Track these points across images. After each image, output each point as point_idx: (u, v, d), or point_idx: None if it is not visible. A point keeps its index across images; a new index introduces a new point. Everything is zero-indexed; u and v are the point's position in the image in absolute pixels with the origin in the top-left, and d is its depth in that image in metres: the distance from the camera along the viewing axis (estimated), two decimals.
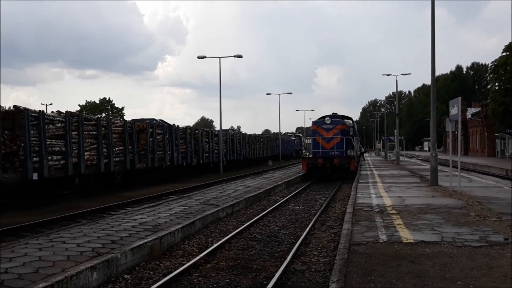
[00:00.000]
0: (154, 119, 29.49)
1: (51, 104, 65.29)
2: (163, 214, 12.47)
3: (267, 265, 8.88)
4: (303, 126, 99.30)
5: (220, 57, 36.19)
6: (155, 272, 8.30)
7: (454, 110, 17.55)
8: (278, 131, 66.34)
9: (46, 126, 16.64)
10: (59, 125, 17.54)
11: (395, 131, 51.16)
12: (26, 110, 15.98)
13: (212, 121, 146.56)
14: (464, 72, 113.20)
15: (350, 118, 33.71)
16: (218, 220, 13.47)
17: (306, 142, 34.47)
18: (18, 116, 15.71)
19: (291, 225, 13.30)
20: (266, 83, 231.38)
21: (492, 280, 6.51)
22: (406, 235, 9.49)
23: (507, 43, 52.11)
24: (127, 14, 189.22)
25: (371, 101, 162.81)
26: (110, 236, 9.39)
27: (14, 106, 15.98)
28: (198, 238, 11.06)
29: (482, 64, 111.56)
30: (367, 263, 7.45)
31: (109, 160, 20.41)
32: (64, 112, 18.03)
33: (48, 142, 16.71)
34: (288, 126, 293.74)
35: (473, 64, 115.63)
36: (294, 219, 14.28)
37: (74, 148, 18.08)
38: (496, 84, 57.56)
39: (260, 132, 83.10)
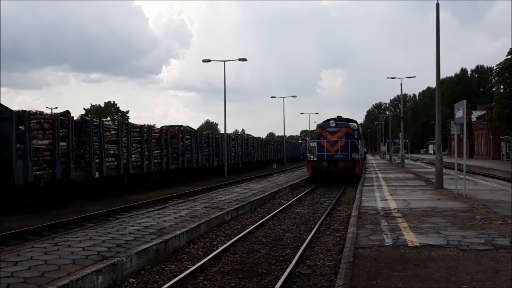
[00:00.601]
0: (182, 126, 32.35)
1: (56, 107, 65.39)
2: (168, 217, 12.48)
3: (272, 268, 8.86)
4: (308, 129, 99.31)
5: (224, 61, 36.23)
6: (161, 275, 8.30)
7: (459, 113, 17.52)
8: (282, 134, 66.75)
9: (104, 133, 19.84)
10: (113, 132, 20.99)
11: (400, 134, 51.09)
12: (91, 120, 19.59)
13: (217, 124, 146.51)
14: (469, 75, 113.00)
15: (354, 121, 33.67)
16: (223, 224, 13.47)
17: (311, 145, 34.44)
18: (84, 125, 19.03)
19: (296, 228, 13.28)
20: (270, 86, 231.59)
21: (498, 283, 6.49)
22: (411, 238, 9.47)
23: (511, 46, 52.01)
24: (132, 18, 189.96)
25: (375, 104, 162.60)
26: (116, 239, 9.40)
27: (81, 117, 18.80)
28: (203, 242, 11.06)
29: (487, 67, 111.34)
30: (373, 266, 7.43)
31: (150, 161, 23.86)
32: (116, 121, 21.02)
33: (105, 146, 19.93)
34: (293, 129, 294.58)
35: (477, 67, 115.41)
36: (299, 223, 14.26)
37: (124, 152, 21.34)
38: (501, 87, 57.34)
39: (265, 135, 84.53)
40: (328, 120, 30.35)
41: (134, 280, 7.87)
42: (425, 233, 10.03)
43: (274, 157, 55.33)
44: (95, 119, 19.98)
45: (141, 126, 23.88)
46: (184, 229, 10.81)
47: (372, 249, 8.65)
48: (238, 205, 15.64)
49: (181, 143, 27.70)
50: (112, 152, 20.48)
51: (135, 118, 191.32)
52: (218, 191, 20.97)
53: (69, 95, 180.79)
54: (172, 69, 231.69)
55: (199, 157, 30.52)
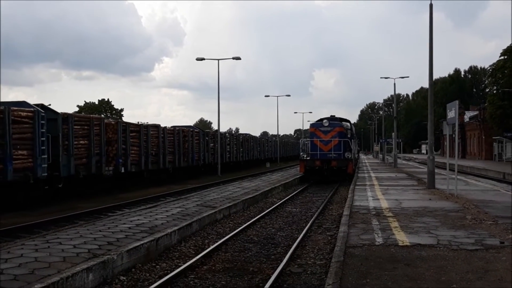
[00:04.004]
0: (248, 134, 51.78)
1: (49, 105, 65.08)
2: (160, 215, 12.47)
3: (263, 267, 8.88)
4: (301, 128, 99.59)
5: (218, 59, 36.21)
6: (151, 273, 8.30)
7: (452, 113, 17.59)
8: (276, 133, 67.86)
9: (226, 140, 39.54)
10: (228, 138, 40.74)
11: (393, 133, 51.20)
12: (221, 132, 37.45)
13: (211, 123, 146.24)
14: (462, 76, 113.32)
15: (348, 121, 33.73)
16: (215, 222, 13.47)
17: (305, 144, 34.57)
18: (215, 135, 36.67)
19: (287, 227, 13.31)
20: (264, 85, 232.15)
21: (488, 283, 6.53)
22: (402, 238, 9.51)
23: (505, 47, 52.27)
24: (125, 16, 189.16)
25: (369, 103, 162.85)
26: (107, 237, 9.39)
27: (213, 132, 37.15)
28: (195, 240, 11.07)
29: (480, 67, 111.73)
30: (363, 265, 7.46)
31: (239, 155, 43.79)
32: (228, 132, 48.06)
33: (226, 147, 39.55)
34: (287, 128, 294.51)
35: (471, 67, 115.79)
36: (291, 221, 14.28)
37: (231, 150, 40.92)
38: (494, 87, 57.63)
39: (258, 134, 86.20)
40: (321, 120, 30.39)
41: (124, 278, 7.86)
42: (415, 232, 10.07)
43: (281, 154, 66.19)
44: (221, 132, 37.69)
45: (238, 135, 44.62)
46: (176, 227, 10.81)
47: (363, 248, 8.68)
48: (230, 204, 15.64)
49: (249, 145, 48.09)
50: (228, 149, 40.00)
51: (128, 116, 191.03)
52: (210, 190, 20.97)
53: (62, 92, 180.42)
54: (165, 67, 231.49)
55: (255, 153, 50.66)
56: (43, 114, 16.80)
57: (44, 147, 16.57)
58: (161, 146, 26.23)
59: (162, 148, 26.38)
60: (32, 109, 16.56)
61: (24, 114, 16.04)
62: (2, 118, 14.95)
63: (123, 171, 22.08)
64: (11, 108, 15.51)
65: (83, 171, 19.23)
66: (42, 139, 16.49)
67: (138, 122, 26.36)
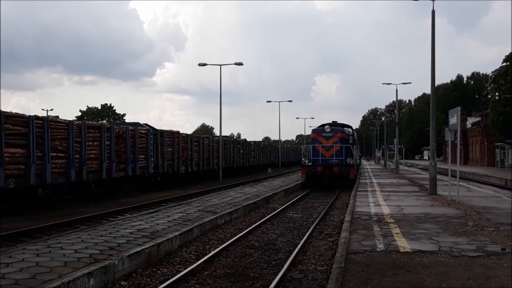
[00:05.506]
0: (266, 141, 57.17)
1: (51, 109, 65.28)
2: (161, 220, 12.48)
3: (264, 273, 8.87)
4: (303, 133, 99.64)
5: (220, 65, 36.30)
6: (152, 279, 8.30)
7: (454, 119, 17.60)
8: (278, 139, 68.14)
9: (251, 147, 47.76)
10: (253, 146, 48.34)
11: (395, 139, 51.23)
12: (248, 141, 48.65)
13: (213, 128, 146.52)
14: (465, 82, 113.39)
15: (349, 127, 33.73)
16: (216, 227, 13.46)
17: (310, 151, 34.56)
18: (246, 143, 46.37)
19: (289, 233, 13.30)
20: (265, 90, 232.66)
21: None
22: (403, 244, 9.50)
23: (507, 53, 52.29)
24: (127, 21, 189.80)
25: (371, 109, 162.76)
26: (108, 242, 9.40)
27: (244, 139, 49.34)
28: (196, 245, 11.06)
29: (482, 74, 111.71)
30: (364, 271, 7.46)
31: (260, 160, 51.13)
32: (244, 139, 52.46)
33: (251, 153, 47.53)
34: (288, 133, 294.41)
35: (473, 73, 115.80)
36: (292, 227, 14.27)
37: (255, 155, 48.52)
38: (496, 94, 57.59)
39: (260, 140, 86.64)
40: (323, 125, 30.39)
41: (125, 283, 7.87)
42: (417, 239, 10.07)
43: (290, 160, 72.45)
44: (247, 140, 48.72)
45: (259, 142, 51.87)
46: (177, 233, 10.81)
47: (364, 254, 8.69)
48: (231, 209, 15.64)
49: (267, 150, 55.90)
50: (253, 154, 47.72)
51: (130, 121, 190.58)
52: (212, 195, 20.97)
53: (64, 97, 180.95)
54: (166, 72, 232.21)
55: (272, 157, 58.34)
56: (151, 131, 25.13)
57: (152, 153, 24.66)
58: (211, 152, 34.59)
59: (212, 153, 34.67)
60: (145, 127, 25.54)
61: (143, 131, 24.20)
62: (133, 134, 22.59)
63: (190, 170, 30.56)
64: (138, 128, 23.74)
65: (171, 169, 27.55)
66: (151, 147, 24.51)
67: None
